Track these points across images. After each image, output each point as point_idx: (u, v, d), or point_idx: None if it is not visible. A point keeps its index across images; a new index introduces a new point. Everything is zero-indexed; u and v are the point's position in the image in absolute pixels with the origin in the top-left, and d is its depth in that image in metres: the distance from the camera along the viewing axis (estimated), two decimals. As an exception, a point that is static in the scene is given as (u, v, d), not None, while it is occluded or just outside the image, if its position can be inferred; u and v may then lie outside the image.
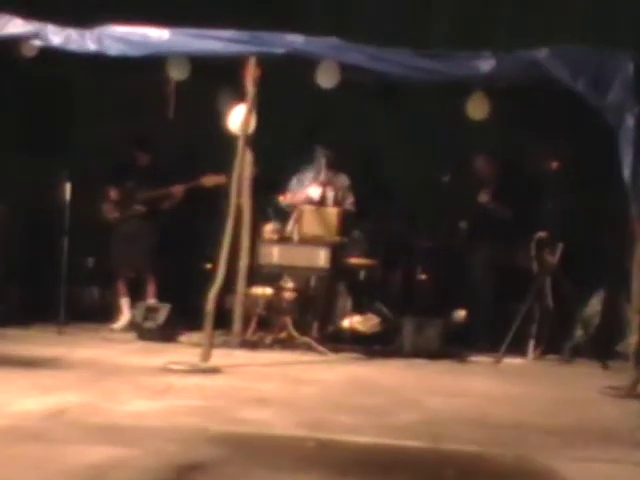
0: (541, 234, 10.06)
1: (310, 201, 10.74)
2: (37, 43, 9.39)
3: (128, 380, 7.83)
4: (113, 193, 11.20)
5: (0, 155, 10.94)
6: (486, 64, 9.01)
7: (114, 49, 9.30)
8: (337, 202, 10.72)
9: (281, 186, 10.87)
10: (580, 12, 10.86)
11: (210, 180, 10.78)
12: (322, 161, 10.81)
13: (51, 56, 9.51)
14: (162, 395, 7.27)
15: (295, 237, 10.38)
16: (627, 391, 8.18)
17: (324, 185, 10.79)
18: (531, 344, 10.14)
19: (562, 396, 8.25)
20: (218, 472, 5.10)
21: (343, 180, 10.83)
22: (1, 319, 10.64)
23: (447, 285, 10.80)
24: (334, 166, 10.80)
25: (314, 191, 10.79)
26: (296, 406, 7.08)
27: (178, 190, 11.06)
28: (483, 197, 10.78)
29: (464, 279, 10.82)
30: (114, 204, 11.22)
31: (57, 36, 9.26)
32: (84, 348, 9.48)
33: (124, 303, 11.23)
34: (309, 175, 10.91)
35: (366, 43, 9.29)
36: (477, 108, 9.99)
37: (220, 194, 9.49)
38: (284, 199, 10.77)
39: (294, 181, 10.94)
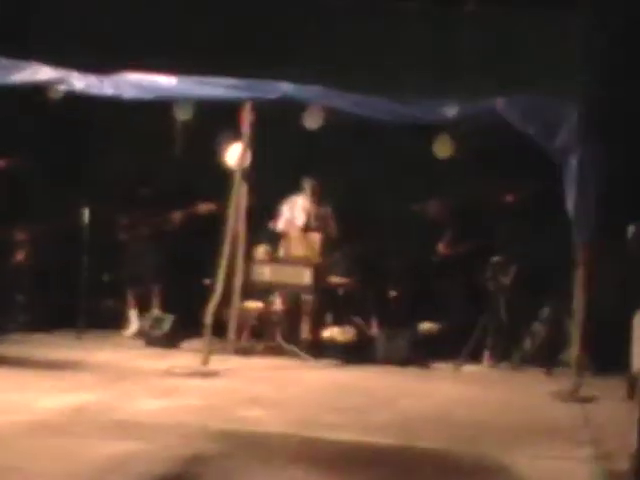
0: (497, 258, 10.11)
1: (295, 226, 10.79)
2: (62, 88, 9.43)
3: (138, 382, 7.86)
4: (124, 219, 11.18)
5: (29, 184, 10.94)
6: (451, 110, 9.09)
7: (128, 93, 9.33)
8: (319, 227, 10.74)
9: (272, 213, 10.88)
10: (534, 64, 10.87)
11: (203, 208, 10.82)
12: (307, 191, 10.87)
13: (73, 98, 9.55)
14: (168, 395, 7.31)
15: (283, 258, 10.46)
16: (569, 395, 8.23)
17: (308, 212, 10.84)
18: (486, 353, 10.18)
19: (513, 399, 8.31)
20: (218, 465, 5.15)
21: (326, 208, 10.86)
22: (28, 326, 10.67)
23: (415, 301, 10.80)
24: (318, 195, 10.84)
25: (299, 217, 10.85)
26: (285, 406, 7.12)
27: (176, 216, 11.07)
28: (441, 248, 10.79)
29: (430, 296, 10.82)
30: (125, 228, 11.20)
31: (80, 82, 9.29)
32: (99, 352, 9.48)
33: (132, 313, 11.20)
34: (298, 203, 10.92)
35: (348, 90, 9.34)
36: (443, 147, 10.08)
37: (219, 220, 9.48)
38: (274, 224, 10.80)
39: (285, 208, 10.93)
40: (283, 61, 10.93)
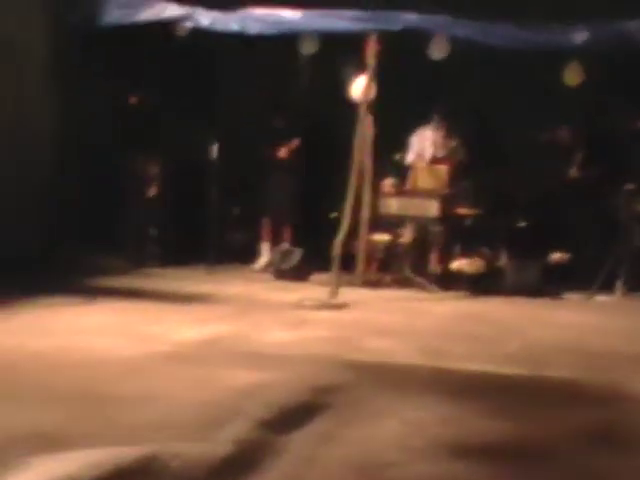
0: (630, 186, 9.89)
1: (424, 158, 10.76)
2: (188, 24, 9.54)
3: (268, 314, 7.95)
4: (281, 152, 11.27)
5: (161, 120, 11.09)
6: (580, 35, 8.89)
7: (254, 28, 9.41)
8: (447, 159, 10.68)
9: (398, 145, 10.85)
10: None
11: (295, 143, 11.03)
12: (435, 122, 10.80)
13: (202, 34, 9.64)
14: (298, 327, 7.38)
15: (410, 190, 10.45)
16: None
17: (436, 144, 10.78)
18: (619, 283, 9.99)
19: (647, 328, 8.17)
20: (348, 394, 5.19)
21: (454, 139, 10.76)
22: (161, 259, 10.93)
23: (545, 231, 10.64)
24: (446, 126, 10.75)
25: (428, 149, 10.81)
26: (413, 336, 7.12)
27: (282, 152, 11.13)
28: (573, 172, 10.57)
29: (560, 226, 10.65)
30: (266, 160, 11.28)
31: (205, 18, 9.41)
32: (230, 285, 9.62)
33: (265, 246, 11.33)
34: (427, 134, 10.86)
35: (473, 18, 9.20)
36: (572, 75, 9.86)
37: (346, 153, 9.47)
38: (403, 157, 10.78)
39: (414, 140, 10.89)
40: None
